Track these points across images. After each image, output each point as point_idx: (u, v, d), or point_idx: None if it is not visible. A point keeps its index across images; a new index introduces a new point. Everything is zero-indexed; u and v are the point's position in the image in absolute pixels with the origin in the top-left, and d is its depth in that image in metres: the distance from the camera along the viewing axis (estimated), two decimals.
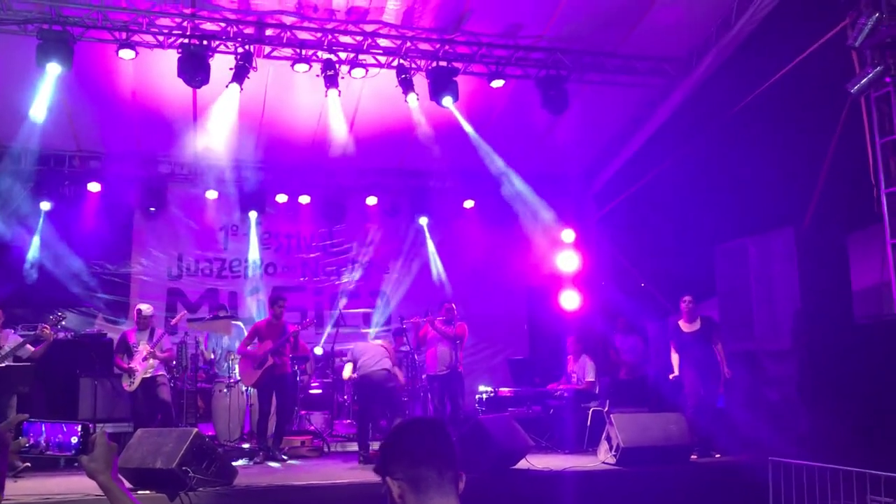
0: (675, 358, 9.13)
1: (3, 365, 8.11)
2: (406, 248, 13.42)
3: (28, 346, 8.40)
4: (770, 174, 9.20)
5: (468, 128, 10.93)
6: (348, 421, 10.99)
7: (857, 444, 7.43)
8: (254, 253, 12.99)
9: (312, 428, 10.66)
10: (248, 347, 9.41)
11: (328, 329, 12.21)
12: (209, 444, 7.02)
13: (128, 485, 6.63)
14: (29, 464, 7.56)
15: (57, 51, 8.72)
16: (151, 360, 8.91)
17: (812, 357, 8.49)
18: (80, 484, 7.22)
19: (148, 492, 6.48)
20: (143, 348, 8.93)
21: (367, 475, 7.78)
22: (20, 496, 6.38)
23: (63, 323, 8.81)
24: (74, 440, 1.96)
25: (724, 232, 10.00)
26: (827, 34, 8.32)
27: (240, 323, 11.25)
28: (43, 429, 1.97)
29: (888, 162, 7.74)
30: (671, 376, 9.18)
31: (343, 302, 12.80)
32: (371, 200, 13.24)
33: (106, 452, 1.91)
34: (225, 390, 10.01)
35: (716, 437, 8.71)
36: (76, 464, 1.93)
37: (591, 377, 10.50)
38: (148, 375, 8.93)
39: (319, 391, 10.87)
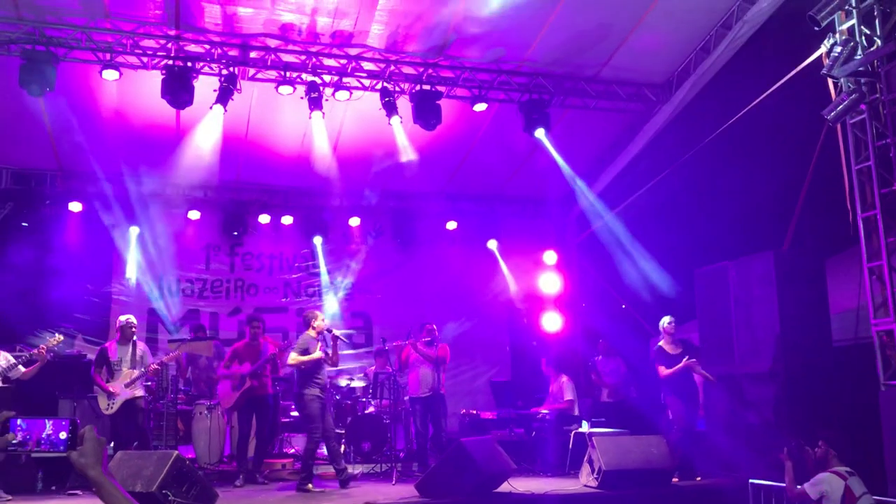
0: (669, 372, 9.03)
1: None
2: (389, 269, 13.43)
3: (20, 366, 8.32)
4: (750, 198, 9.34)
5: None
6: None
7: None
8: (236, 273, 12.95)
9: (293, 451, 10.60)
10: (227, 369, 9.35)
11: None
12: (189, 466, 6.95)
13: None
14: (10, 497, 7.53)
15: (40, 71, 8.71)
16: (135, 384, 8.79)
17: (790, 380, 8.56)
18: None
19: None
20: (127, 373, 8.78)
21: (348, 497, 7.77)
22: None
23: (60, 344, 8.70)
24: (63, 436, 1.95)
25: (704, 255, 10.10)
26: (803, 62, 8.49)
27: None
28: (32, 425, 1.97)
29: (864, 187, 7.87)
30: (667, 372, 9.06)
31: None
32: (354, 221, 13.27)
33: (95, 447, 1.91)
34: (205, 412, 9.93)
35: (696, 460, 8.75)
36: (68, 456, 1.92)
37: (569, 396, 10.54)
38: (135, 395, 8.81)
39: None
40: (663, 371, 8.99)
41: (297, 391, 8.66)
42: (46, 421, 1.98)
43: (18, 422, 1.97)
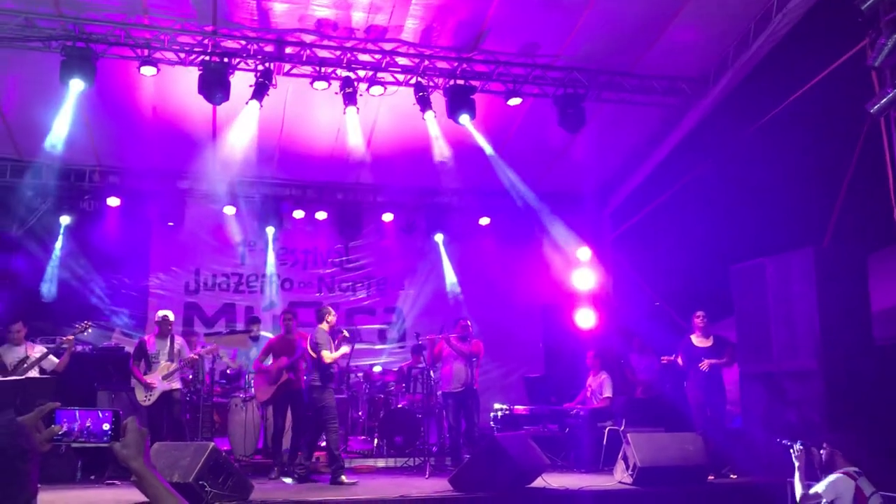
0: (679, 361, 9.17)
1: (25, 377, 8.19)
2: (422, 265, 13.45)
3: (52, 357, 8.50)
4: (789, 193, 9.18)
5: (485, 145, 10.97)
6: (363, 437, 10.97)
7: (877, 466, 7.34)
8: (270, 268, 13.06)
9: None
10: (263, 363, 9.44)
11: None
12: (225, 458, 7.03)
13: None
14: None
15: (80, 67, 8.84)
16: (172, 377, 8.92)
17: (831, 378, 8.40)
18: (99, 497, 7.28)
19: None
20: (165, 366, 8.92)
21: (382, 490, 7.79)
22: None
23: (89, 332, 8.87)
24: (106, 427, 1.97)
25: (742, 251, 9.95)
26: (846, 54, 8.32)
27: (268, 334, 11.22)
28: (76, 416, 1.99)
29: None
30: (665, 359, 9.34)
31: (359, 318, 12.82)
32: (387, 217, 13.30)
33: (138, 438, 1.92)
34: (241, 405, 10.02)
35: (733, 458, 8.64)
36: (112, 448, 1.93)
37: (608, 393, 10.47)
38: (173, 387, 8.95)
39: None
40: (680, 361, 9.18)
41: (318, 384, 8.69)
42: (88, 412, 2.00)
43: (64, 414, 1.99)
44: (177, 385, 9.00)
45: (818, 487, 5.87)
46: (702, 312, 9.23)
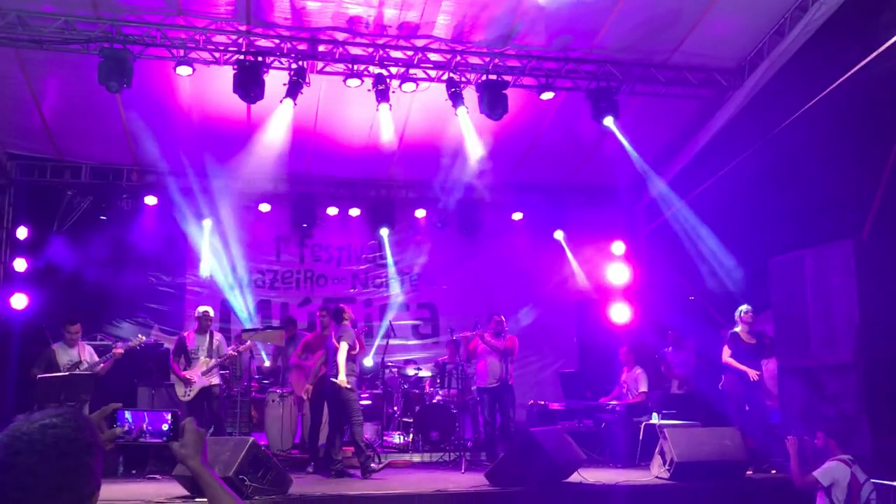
0: (733, 362, 9.01)
1: (68, 374, 8.37)
2: (455, 261, 13.46)
3: (101, 364, 8.68)
4: (828, 185, 9.04)
5: (517, 140, 10.94)
6: (399, 432, 11.03)
7: None
8: (305, 264, 13.15)
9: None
10: (300, 359, 9.54)
11: (377, 341, 12.27)
12: (265, 453, 7.11)
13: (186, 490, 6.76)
14: None
15: (118, 69, 8.97)
16: (211, 373, 9.06)
17: (871, 373, 8.27)
18: (141, 490, 7.41)
19: (204, 499, 6.58)
20: (204, 361, 9.05)
21: (419, 485, 7.84)
22: None
23: (142, 344, 9.06)
24: (165, 427, 2.03)
25: (780, 244, 9.82)
26: (885, 43, 8.17)
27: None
28: (137, 416, 2.04)
29: None
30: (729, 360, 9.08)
31: (392, 314, 12.87)
32: (420, 213, 13.33)
33: (196, 438, 1.96)
34: (278, 400, 10.13)
35: (772, 453, 8.55)
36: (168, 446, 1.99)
37: (643, 388, 10.41)
38: (204, 385, 9.08)
39: (369, 402, 10.93)
40: (726, 354, 9.06)
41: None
42: (148, 413, 2.06)
43: (126, 414, 2.05)
44: (216, 381, 9.13)
45: (815, 473, 6.23)
46: (749, 308, 9.14)
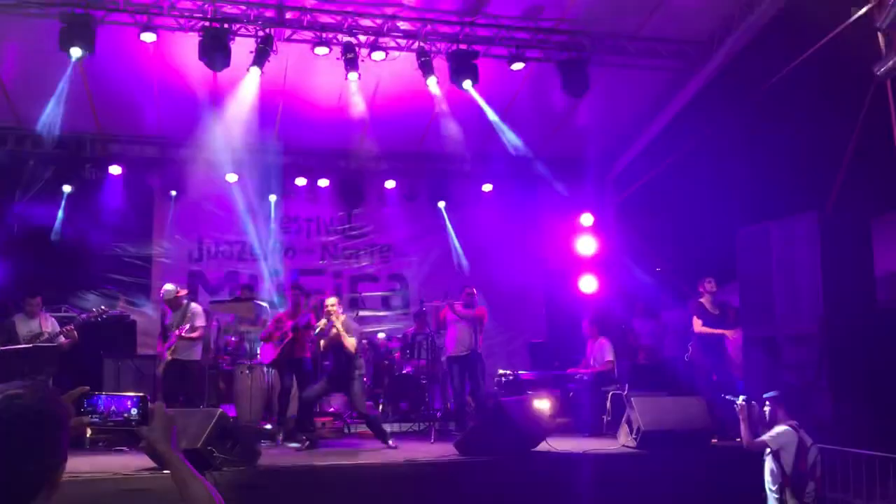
0: (707, 329, 9.19)
1: (32, 346, 8.24)
2: (425, 232, 13.43)
3: (61, 337, 8.54)
4: (793, 157, 9.15)
5: (488, 110, 10.90)
6: (368, 402, 11.03)
7: (879, 429, 7.41)
8: (273, 236, 13.06)
9: (332, 409, 10.73)
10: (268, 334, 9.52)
11: (348, 312, 12.23)
12: (233, 424, 7.09)
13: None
14: None
15: (79, 34, 8.74)
16: (178, 343, 8.98)
17: (834, 342, 8.43)
18: (109, 462, 7.35)
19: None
20: (174, 334, 9.00)
21: (389, 455, 7.87)
22: None
23: (103, 316, 8.87)
24: (134, 411, 1.99)
25: (746, 216, 9.94)
26: (851, 17, 8.22)
27: (264, 303, 11.23)
28: (104, 400, 2.00)
29: None
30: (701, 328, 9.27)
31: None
32: (390, 184, 13.26)
33: (165, 423, 1.94)
34: (246, 372, 10.07)
35: (736, 422, 8.70)
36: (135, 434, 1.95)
37: (609, 357, 10.49)
38: (178, 358, 9.01)
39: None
40: (698, 324, 9.23)
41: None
42: (115, 397, 2.01)
43: (96, 399, 2.00)
44: (185, 356, 9.05)
45: (765, 437, 6.45)
46: (712, 279, 9.29)
